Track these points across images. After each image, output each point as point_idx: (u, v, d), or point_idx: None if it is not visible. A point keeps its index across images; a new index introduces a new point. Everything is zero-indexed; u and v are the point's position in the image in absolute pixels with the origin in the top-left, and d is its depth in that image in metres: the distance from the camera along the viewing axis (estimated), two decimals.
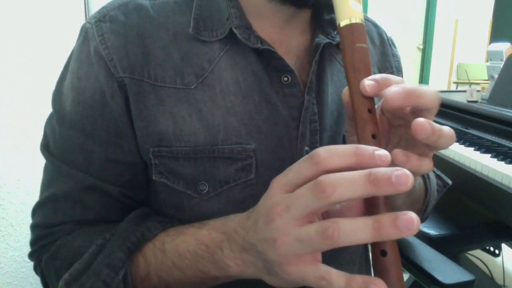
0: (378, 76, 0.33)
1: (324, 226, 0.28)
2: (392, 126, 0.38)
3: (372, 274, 0.31)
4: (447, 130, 0.32)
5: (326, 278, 0.30)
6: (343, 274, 0.29)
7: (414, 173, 0.36)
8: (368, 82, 0.33)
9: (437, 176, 0.64)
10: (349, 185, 0.27)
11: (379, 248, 0.30)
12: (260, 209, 0.33)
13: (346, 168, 0.28)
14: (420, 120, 0.31)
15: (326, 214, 0.33)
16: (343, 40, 0.35)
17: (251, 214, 0.36)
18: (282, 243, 0.30)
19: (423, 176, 0.59)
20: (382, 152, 0.28)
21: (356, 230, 0.28)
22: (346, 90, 0.35)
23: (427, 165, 0.34)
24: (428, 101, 0.33)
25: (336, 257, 0.55)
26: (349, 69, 0.34)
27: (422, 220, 0.61)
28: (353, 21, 0.34)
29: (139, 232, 0.44)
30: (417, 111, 0.34)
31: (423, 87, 0.33)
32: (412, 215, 0.27)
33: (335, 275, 0.29)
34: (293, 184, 0.30)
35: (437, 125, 0.31)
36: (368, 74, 0.34)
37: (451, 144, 0.33)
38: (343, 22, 0.35)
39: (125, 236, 0.44)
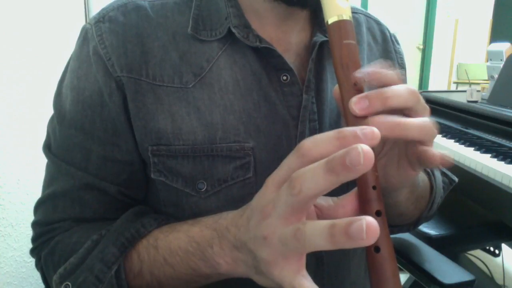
0: (367, 69, 0.33)
1: (296, 228, 0.28)
2: None
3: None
4: (415, 120, 0.32)
5: None
6: None
7: (421, 163, 0.35)
8: (358, 75, 0.32)
9: (443, 174, 0.64)
10: (312, 178, 0.26)
11: (372, 244, 0.29)
12: (254, 207, 0.33)
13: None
14: (377, 116, 0.30)
15: (321, 212, 0.33)
16: (331, 37, 0.35)
17: (244, 212, 0.35)
18: (271, 241, 0.30)
19: (427, 173, 0.58)
20: (368, 129, 0.27)
21: (316, 235, 0.26)
22: (337, 87, 0.35)
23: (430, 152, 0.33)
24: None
25: (346, 261, 0.55)
26: (338, 66, 0.34)
27: (428, 218, 0.61)
28: (340, 18, 0.34)
29: (134, 228, 0.45)
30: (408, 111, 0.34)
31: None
32: (363, 223, 0.24)
33: None
34: (284, 181, 0.30)
35: (399, 118, 0.31)
36: (357, 70, 0.34)
37: (431, 133, 0.32)
38: (330, 20, 0.35)
39: (119, 232, 0.45)
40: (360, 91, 0.33)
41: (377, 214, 0.30)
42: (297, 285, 0.30)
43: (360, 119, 0.32)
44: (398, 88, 0.32)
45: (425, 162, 0.34)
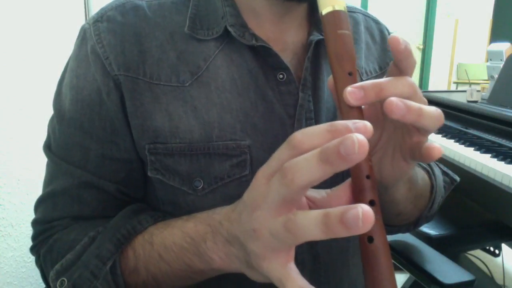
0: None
1: (287, 219, 0.27)
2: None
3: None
4: (429, 109, 0.31)
5: (283, 282, 0.29)
6: (300, 281, 0.29)
7: (418, 158, 0.35)
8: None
9: (444, 173, 0.64)
10: (305, 167, 0.26)
11: (365, 235, 0.29)
12: (245, 201, 0.33)
13: None
14: (392, 98, 0.30)
15: (314, 204, 0.33)
16: (325, 27, 0.35)
17: (236, 206, 0.35)
18: (261, 234, 0.30)
19: (428, 172, 0.58)
20: (361, 123, 0.26)
21: (308, 225, 0.26)
22: (331, 77, 0.35)
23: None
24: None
25: (344, 260, 0.55)
26: (332, 56, 0.34)
27: (429, 217, 0.60)
28: (334, 8, 0.34)
29: (130, 225, 0.45)
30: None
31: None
32: (359, 210, 0.24)
33: (291, 281, 0.29)
34: (275, 173, 0.29)
35: (415, 104, 0.31)
36: (351, 60, 0.33)
37: (439, 124, 0.32)
38: (325, 10, 0.35)
39: (116, 229, 0.45)
40: (354, 81, 0.33)
41: (370, 204, 0.30)
42: (283, 277, 0.30)
43: (354, 109, 0.32)
44: (394, 79, 0.32)
45: (422, 157, 0.34)
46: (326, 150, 0.25)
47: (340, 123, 0.27)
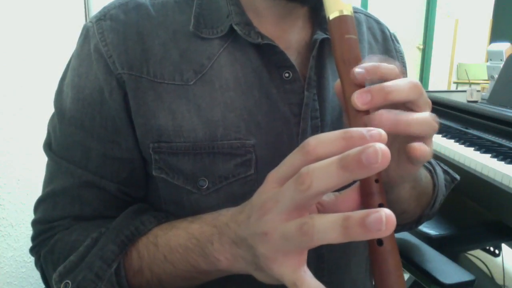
0: (367, 64, 0.33)
1: (302, 222, 0.28)
2: None
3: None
4: (420, 116, 0.32)
5: (298, 286, 0.29)
6: (314, 285, 0.29)
7: (416, 159, 0.35)
8: (358, 70, 0.32)
9: (445, 172, 0.64)
10: (324, 174, 0.26)
11: (375, 238, 0.29)
12: (253, 204, 0.33)
13: (338, 153, 0.27)
14: (381, 111, 0.30)
15: (322, 207, 0.33)
16: (332, 32, 0.35)
17: (244, 208, 0.35)
18: (271, 238, 0.30)
19: (430, 171, 0.58)
20: (375, 131, 0.27)
21: (327, 228, 0.26)
22: (338, 82, 0.35)
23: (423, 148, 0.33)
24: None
25: (346, 259, 0.55)
26: (339, 61, 0.34)
27: (431, 215, 0.60)
28: (342, 13, 0.35)
29: (133, 226, 0.45)
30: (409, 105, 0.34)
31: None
32: (382, 214, 0.25)
33: (306, 285, 0.29)
34: (287, 177, 0.30)
35: (404, 114, 0.31)
36: (358, 64, 0.34)
37: (432, 130, 0.33)
38: (332, 15, 0.35)
39: (119, 230, 0.45)
40: (361, 85, 0.33)
41: (379, 207, 0.30)
42: (297, 281, 0.30)
43: (362, 114, 0.32)
44: (400, 82, 0.32)
45: (409, 158, 0.34)
46: (346, 157, 0.25)
47: (354, 130, 0.27)
